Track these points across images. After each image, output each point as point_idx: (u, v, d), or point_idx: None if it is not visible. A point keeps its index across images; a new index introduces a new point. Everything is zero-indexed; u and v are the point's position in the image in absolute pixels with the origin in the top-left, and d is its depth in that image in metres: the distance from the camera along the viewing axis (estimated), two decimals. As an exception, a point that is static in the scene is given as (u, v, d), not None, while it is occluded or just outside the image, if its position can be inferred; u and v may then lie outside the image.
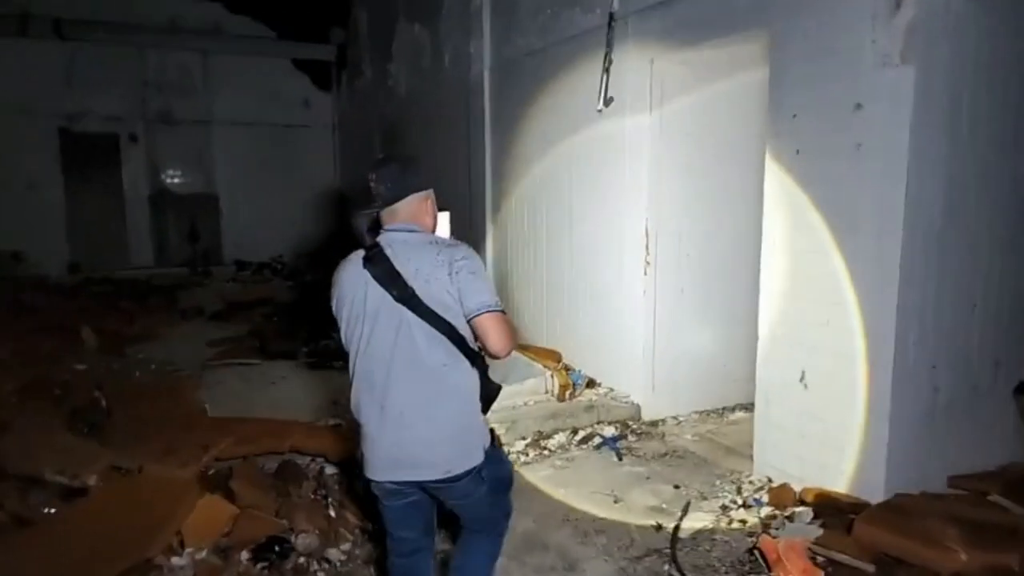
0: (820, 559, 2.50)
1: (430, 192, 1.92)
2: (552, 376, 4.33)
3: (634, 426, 4.08)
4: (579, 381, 4.36)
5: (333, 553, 2.64)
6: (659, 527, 2.89)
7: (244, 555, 2.57)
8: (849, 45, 2.77)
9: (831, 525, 2.72)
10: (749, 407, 3.95)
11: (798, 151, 3.03)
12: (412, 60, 7.53)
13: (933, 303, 2.79)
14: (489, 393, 1.91)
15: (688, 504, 3.07)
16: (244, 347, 5.86)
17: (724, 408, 4.36)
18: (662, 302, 4.13)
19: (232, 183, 10.48)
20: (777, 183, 3.15)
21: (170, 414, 4.04)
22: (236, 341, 6.08)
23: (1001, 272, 2.98)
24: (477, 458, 1.85)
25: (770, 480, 3.22)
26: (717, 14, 3.45)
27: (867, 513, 2.65)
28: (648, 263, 4.07)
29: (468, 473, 1.83)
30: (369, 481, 1.90)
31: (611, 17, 4.06)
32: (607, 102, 4.17)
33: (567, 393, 4.24)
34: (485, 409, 1.92)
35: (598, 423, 4.07)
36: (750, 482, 3.28)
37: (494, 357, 1.82)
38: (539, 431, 3.95)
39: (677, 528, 2.86)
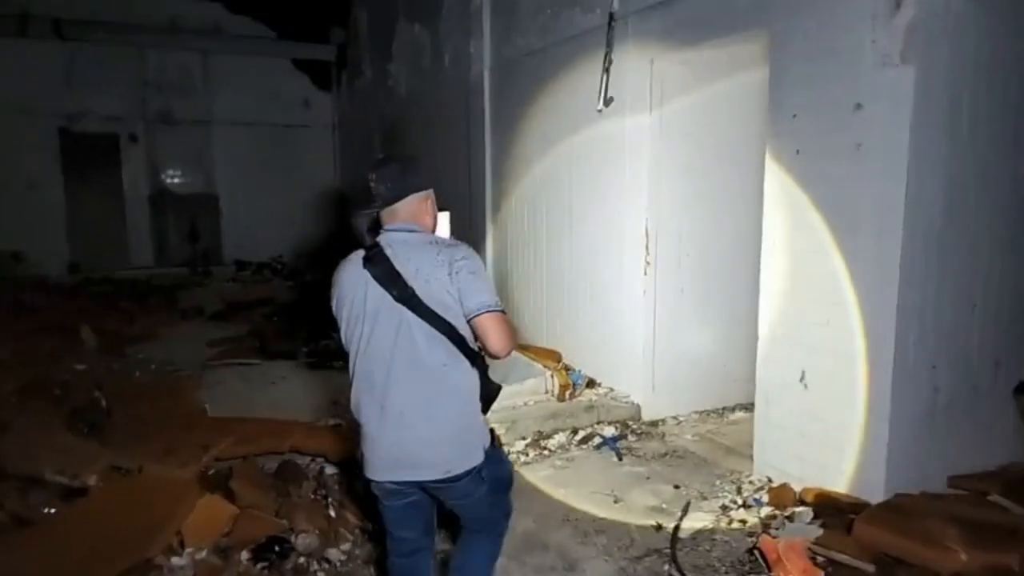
0: (820, 559, 2.50)
1: (430, 192, 1.92)
2: (552, 376, 4.33)
3: (634, 426, 4.08)
4: (579, 381, 4.35)
5: (333, 553, 2.64)
6: (659, 527, 2.89)
7: (244, 555, 2.57)
8: (849, 45, 2.77)
9: (831, 525, 2.72)
10: (749, 407, 3.95)
11: (798, 151, 3.03)
12: (412, 60, 7.53)
13: (933, 303, 2.79)
14: (489, 393, 1.91)
15: (688, 504, 3.07)
16: (244, 347, 5.86)
17: (724, 408, 4.36)
18: (662, 302, 4.13)
19: (232, 183, 10.48)
20: (777, 183, 3.14)
21: (170, 414, 4.04)
22: (236, 341, 6.08)
23: (1001, 272, 2.98)
24: (477, 458, 1.85)
25: (770, 480, 3.22)
26: (717, 14, 3.45)
27: (867, 513, 2.65)
28: (648, 263, 4.07)
29: (468, 473, 1.82)
30: (369, 481, 1.89)
31: (611, 17, 4.06)
32: (607, 102, 4.17)
33: (567, 393, 4.24)
34: (485, 409, 1.92)
35: (598, 423, 4.07)
36: (750, 482, 3.28)
37: (494, 357, 1.82)
38: (539, 431, 3.95)
39: (677, 528, 2.86)
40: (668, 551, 2.69)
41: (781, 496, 3.02)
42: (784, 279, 3.16)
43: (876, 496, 2.78)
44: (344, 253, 1.94)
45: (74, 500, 2.84)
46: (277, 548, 2.58)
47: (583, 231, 4.62)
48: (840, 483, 2.92)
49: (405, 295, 1.75)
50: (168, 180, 10.36)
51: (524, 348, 4.71)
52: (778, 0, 3.08)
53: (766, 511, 2.96)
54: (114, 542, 2.54)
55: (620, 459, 3.64)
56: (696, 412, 4.30)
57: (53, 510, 2.78)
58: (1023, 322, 3.09)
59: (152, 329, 6.57)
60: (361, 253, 1.85)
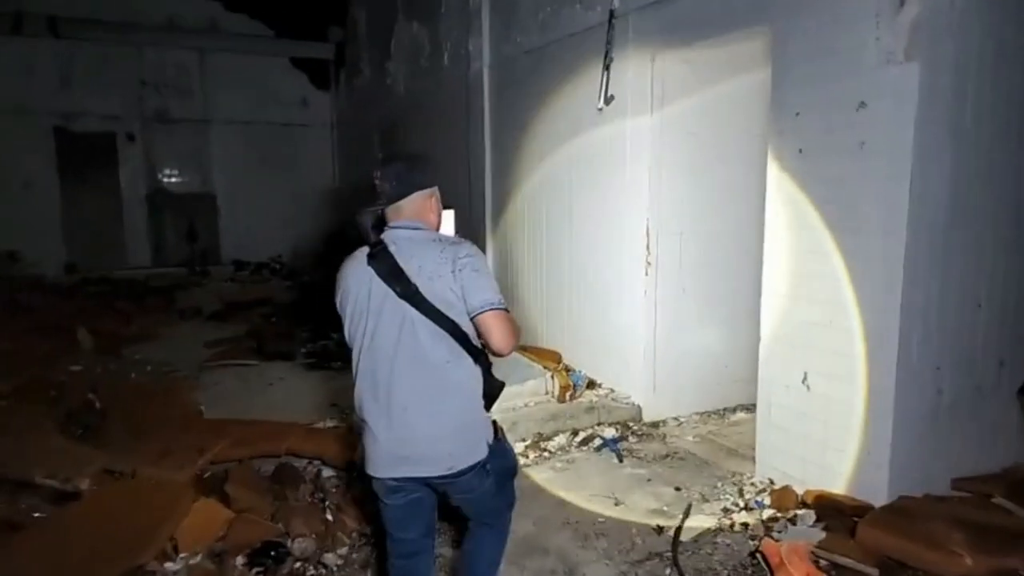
0: (823, 563, 2.47)
1: (435, 190, 1.92)
2: (552, 377, 4.30)
3: (635, 427, 4.05)
4: (579, 382, 4.33)
5: (330, 558, 2.61)
6: (660, 530, 2.86)
7: (239, 560, 2.54)
8: (852, 43, 2.74)
9: (834, 528, 2.70)
10: (750, 408, 3.93)
11: (800, 150, 3.00)
12: (411, 58, 7.49)
13: (937, 303, 2.76)
14: (492, 390, 1.92)
15: (689, 506, 3.04)
16: (242, 348, 5.83)
17: (725, 409, 4.33)
18: (663, 302, 4.10)
19: (230, 182, 10.45)
20: (779, 182, 3.11)
21: (166, 416, 4.00)
22: (234, 342, 6.05)
23: (1005, 271, 2.95)
24: (481, 453, 1.85)
25: (772, 482, 3.19)
26: (718, 12, 3.42)
27: (871, 516, 2.62)
28: (649, 263, 4.04)
29: (472, 468, 1.83)
30: (371, 479, 1.89)
31: (611, 14, 4.03)
32: (608, 100, 4.13)
33: (567, 394, 4.21)
34: (488, 406, 1.93)
35: (598, 424, 4.04)
36: (752, 484, 3.25)
37: (497, 355, 1.82)
38: (539, 433, 3.92)
39: (678, 531, 2.83)
40: (669, 555, 2.66)
41: (783, 498, 2.99)
42: (786, 279, 3.13)
43: (879, 498, 2.75)
44: (343, 253, 1.94)
45: (66, 504, 2.81)
46: (273, 553, 2.55)
47: (583, 230, 4.58)
48: (843, 485, 2.90)
49: (408, 292, 1.76)
50: (165, 180, 10.32)
51: (524, 349, 4.68)
52: (780, -3, 3.05)
53: (768, 513, 2.94)
54: (106, 547, 2.50)
55: (621, 461, 3.61)
56: (697, 413, 4.27)
57: (43, 515, 2.74)
58: (1028, 322, 3.06)
59: (149, 329, 6.54)
60: (366, 250, 1.85)
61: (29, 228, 9.06)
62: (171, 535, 2.56)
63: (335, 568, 2.58)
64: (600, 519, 2.97)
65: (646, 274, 4.05)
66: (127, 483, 2.95)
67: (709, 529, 2.85)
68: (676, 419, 4.20)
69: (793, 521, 2.84)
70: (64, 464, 2.96)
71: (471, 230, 5.79)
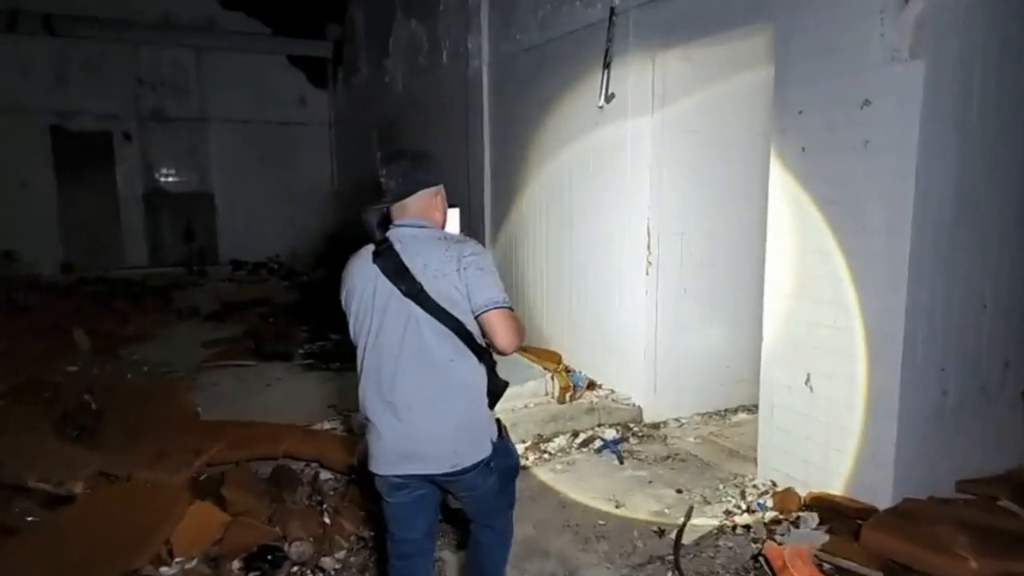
0: (827, 566, 2.45)
1: (440, 188, 1.92)
2: (552, 378, 4.27)
3: (635, 428, 4.02)
4: (580, 383, 4.30)
5: (327, 562, 2.58)
6: (662, 532, 2.83)
7: (235, 564, 2.51)
8: (856, 40, 2.71)
9: (837, 531, 2.67)
10: (752, 409, 3.90)
11: (804, 148, 2.97)
12: (409, 56, 7.45)
13: (942, 302, 2.73)
14: (496, 389, 1.91)
15: (691, 509, 3.01)
16: (240, 348, 5.78)
17: (727, 410, 4.30)
18: (664, 302, 4.07)
19: (227, 181, 10.40)
20: (782, 181, 3.08)
21: (162, 417, 3.96)
22: (232, 342, 6.00)
23: (1011, 270, 2.93)
24: (485, 450, 1.85)
25: (774, 484, 3.17)
26: (719, 9, 3.39)
27: (875, 519, 2.60)
28: (650, 263, 4.01)
29: (476, 466, 1.83)
30: (374, 477, 1.88)
31: (612, 12, 3.99)
32: (608, 98, 4.10)
33: (568, 395, 4.18)
34: (492, 405, 1.92)
35: (599, 426, 4.01)
36: (754, 486, 3.22)
37: (501, 353, 1.82)
38: (539, 434, 3.89)
39: (680, 534, 2.80)
40: (671, 558, 2.63)
41: (786, 501, 2.96)
42: (789, 279, 3.10)
43: (883, 500, 2.73)
44: (344, 253, 1.93)
45: (59, 508, 2.77)
46: (269, 557, 2.52)
47: (583, 230, 4.55)
48: (846, 487, 2.87)
49: (413, 290, 1.75)
50: (162, 179, 10.27)
51: (524, 349, 4.65)
52: (782, -6, 3.02)
53: (770, 516, 2.91)
54: (101, 551, 2.47)
55: (621, 462, 3.58)
56: (698, 414, 4.24)
57: (37, 519, 2.71)
58: (1033, 322, 3.04)
59: (146, 330, 6.50)
60: (371, 248, 1.84)
61: (25, 227, 9.01)
62: (166, 539, 2.53)
63: (333, 572, 2.55)
64: (601, 521, 2.94)
65: (647, 274, 4.02)
66: (122, 486, 2.91)
67: (711, 531, 2.82)
68: (677, 420, 4.17)
69: (796, 523, 2.81)
70: (59, 467, 2.92)
71: (470, 229, 5.75)
